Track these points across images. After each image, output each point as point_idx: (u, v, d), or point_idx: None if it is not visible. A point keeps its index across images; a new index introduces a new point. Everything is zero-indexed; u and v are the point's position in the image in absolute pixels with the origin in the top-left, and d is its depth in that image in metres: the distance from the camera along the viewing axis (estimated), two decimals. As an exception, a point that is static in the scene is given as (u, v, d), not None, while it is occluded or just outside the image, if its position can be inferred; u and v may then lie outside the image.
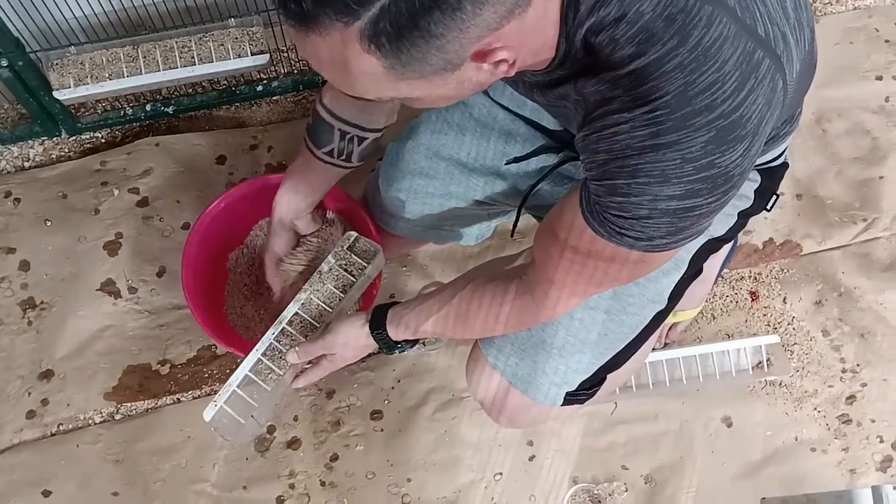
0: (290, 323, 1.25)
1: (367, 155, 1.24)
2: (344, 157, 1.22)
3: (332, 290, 1.27)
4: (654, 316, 1.18)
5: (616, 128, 0.77)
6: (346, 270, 1.28)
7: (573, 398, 1.18)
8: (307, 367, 1.25)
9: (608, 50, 0.76)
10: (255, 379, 1.23)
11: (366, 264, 1.29)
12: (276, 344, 1.25)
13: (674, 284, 1.17)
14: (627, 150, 0.77)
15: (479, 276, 1.10)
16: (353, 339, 1.18)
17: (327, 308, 1.26)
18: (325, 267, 1.28)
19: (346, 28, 0.66)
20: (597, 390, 1.20)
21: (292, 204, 1.28)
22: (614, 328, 1.15)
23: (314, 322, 1.26)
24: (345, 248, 1.29)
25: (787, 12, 0.81)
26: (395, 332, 1.15)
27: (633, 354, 1.19)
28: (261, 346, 1.24)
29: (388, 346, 1.17)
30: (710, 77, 0.73)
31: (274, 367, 1.24)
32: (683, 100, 0.74)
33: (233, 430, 1.23)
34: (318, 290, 1.27)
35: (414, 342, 1.19)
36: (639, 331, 1.18)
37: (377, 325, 1.16)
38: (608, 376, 1.20)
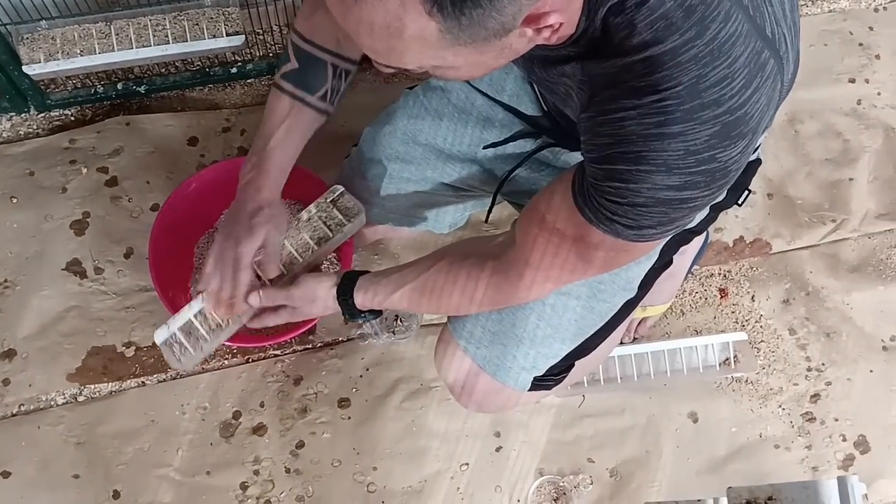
0: (258, 263, 1.22)
1: (343, 96, 1.19)
2: (334, 96, 1.17)
3: (307, 241, 1.25)
4: (624, 304, 1.18)
5: (624, 113, 0.77)
6: (324, 223, 1.26)
7: (541, 383, 1.19)
8: (265, 310, 1.21)
9: (625, 33, 0.76)
10: (212, 313, 1.21)
11: (346, 221, 1.26)
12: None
13: (644, 273, 1.17)
14: (633, 137, 0.77)
15: (456, 251, 1.10)
16: (317, 297, 1.16)
17: (298, 257, 1.24)
18: (304, 215, 1.26)
19: None
20: (565, 376, 1.21)
21: (281, 178, 1.20)
22: (584, 314, 1.16)
23: (283, 268, 1.23)
24: (328, 200, 1.27)
25: (786, 13, 0.82)
26: (361, 300, 1.14)
27: (602, 341, 1.20)
28: None
29: (350, 313, 1.16)
30: (721, 72, 0.74)
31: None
32: (694, 92, 0.74)
33: (178, 357, 1.21)
34: (292, 237, 1.25)
35: (377, 314, 1.18)
36: (608, 318, 1.18)
37: (345, 290, 1.14)
38: (576, 363, 1.20)
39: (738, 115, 0.76)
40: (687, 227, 1.17)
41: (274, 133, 1.16)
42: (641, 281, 1.18)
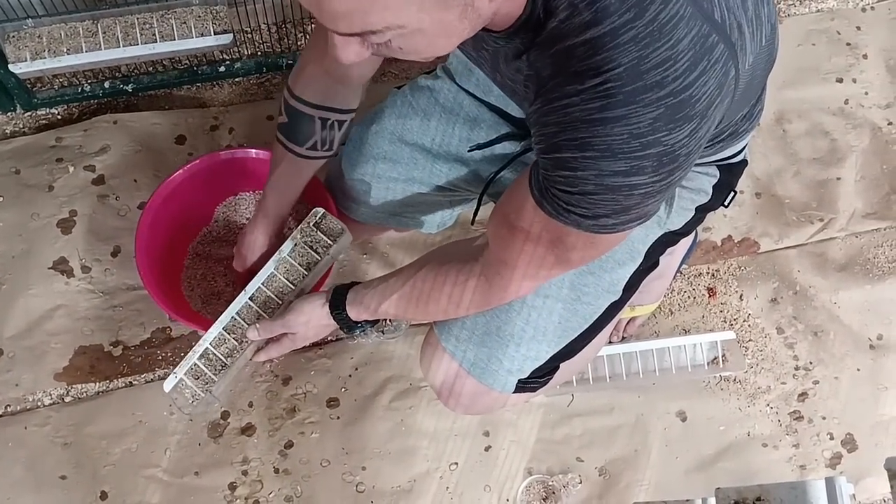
0: (252, 298, 1.25)
1: (345, 139, 1.23)
2: (327, 146, 1.21)
3: (297, 267, 1.26)
4: (609, 306, 1.18)
5: (568, 100, 0.77)
6: (311, 248, 1.27)
7: (525, 386, 1.19)
8: (268, 343, 1.25)
9: (565, 15, 0.75)
10: (216, 353, 1.22)
11: (331, 242, 1.27)
12: (238, 319, 1.24)
13: (629, 276, 1.17)
14: (576, 123, 0.77)
15: (438, 257, 1.10)
16: (314, 318, 1.18)
17: (290, 285, 1.25)
18: (289, 243, 1.27)
19: None
20: (549, 378, 1.21)
21: (279, 209, 1.29)
22: (569, 317, 1.16)
23: (276, 298, 1.25)
24: (311, 224, 1.28)
25: (746, 5, 0.81)
26: (354, 313, 1.15)
27: (586, 344, 1.20)
28: (223, 320, 1.23)
29: (347, 326, 1.17)
30: (663, 53, 0.73)
31: (234, 342, 1.23)
32: (635, 74, 0.74)
33: (190, 403, 1.22)
34: (281, 266, 1.26)
35: (374, 322, 1.19)
36: (593, 320, 1.18)
37: (337, 305, 1.16)
38: (561, 365, 1.20)
39: (683, 97, 0.75)
40: (672, 230, 1.17)
41: (271, 178, 1.26)
42: (626, 283, 1.18)
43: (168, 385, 1.21)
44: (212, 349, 1.22)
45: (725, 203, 1.20)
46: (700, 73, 0.75)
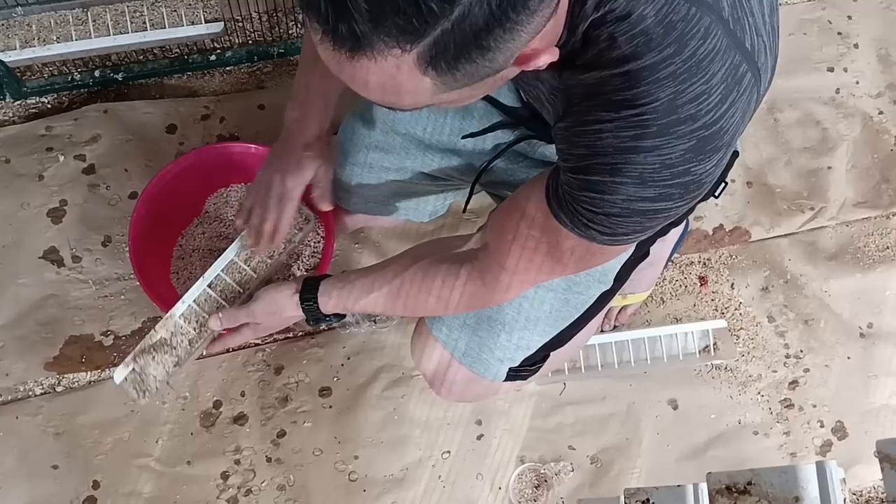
0: (211, 286, 1.23)
1: None
2: None
3: (259, 255, 1.25)
4: (600, 296, 1.19)
5: (600, 125, 0.77)
6: None
7: (515, 374, 1.19)
8: (227, 330, 1.22)
9: (604, 46, 0.75)
10: (171, 342, 1.21)
11: (296, 230, 1.26)
12: (196, 307, 1.22)
13: (620, 265, 1.18)
14: (609, 149, 0.77)
15: (426, 255, 1.09)
16: (280, 307, 1.16)
17: (252, 273, 1.24)
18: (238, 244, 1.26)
19: (404, 53, 0.63)
20: (539, 367, 1.21)
21: (327, 115, 1.20)
22: (560, 306, 1.16)
23: (238, 287, 1.23)
24: None
25: (766, 19, 0.82)
26: (325, 305, 1.14)
27: (577, 333, 1.20)
28: (179, 308, 1.21)
29: (315, 317, 1.16)
30: (698, 88, 0.74)
31: (191, 331, 1.21)
32: (671, 108, 0.74)
33: (141, 391, 1.20)
34: (242, 254, 1.24)
35: (341, 317, 1.18)
36: (584, 310, 1.18)
37: (308, 295, 1.14)
38: (551, 354, 1.21)
39: (714, 129, 0.76)
40: None
41: (314, 71, 1.16)
42: (617, 273, 1.18)
43: (118, 376, 1.19)
44: (167, 338, 1.20)
45: (716, 194, 1.20)
46: (730, 105, 0.76)
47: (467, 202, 1.31)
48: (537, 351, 1.18)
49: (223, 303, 1.23)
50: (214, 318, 1.18)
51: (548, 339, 1.18)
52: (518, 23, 0.64)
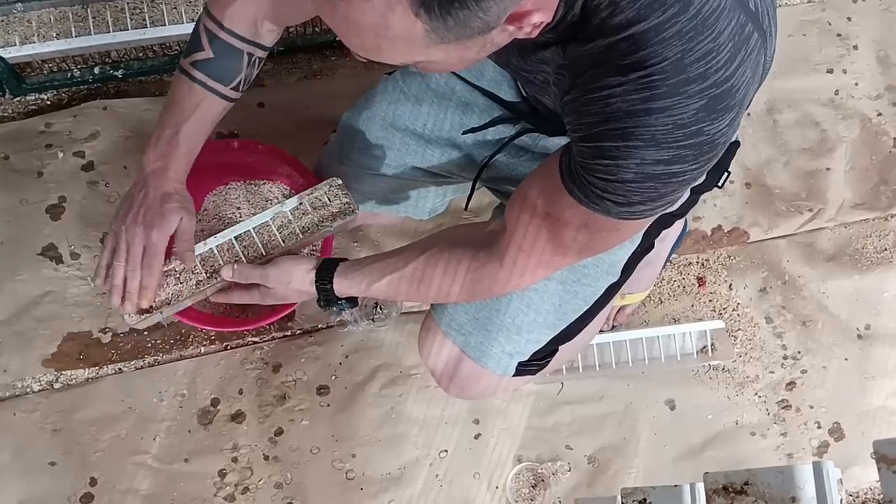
0: (237, 238, 1.21)
1: (250, 82, 1.17)
2: (245, 86, 1.16)
3: (293, 226, 1.24)
4: (608, 288, 1.19)
5: (609, 90, 0.77)
6: (315, 211, 1.24)
7: (525, 368, 1.19)
8: (235, 286, 1.21)
9: (606, 13, 0.76)
10: (180, 276, 1.18)
11: (337, 218, 1.25)
12: (216, 252, 1.21)
13: (627, 257, 1.18)
14: (619, 113, 0.77)
15: (445, 240, 1.09)
16: (296, 280, 1.14)
17: (280, 241, 1.23)
18: (294, 200, 1.24)
19: None
20: (549, 361, 1.21)
21: (188, 166, 1.17)
22: (569, 299, 1.16)
23: (262, 248, 1.22)
24: (324, 190, 1.25)
25: None
26: (340, 286, 1.13)
27: (585, 326, 1.20)
28: (199, 248, 1.19)
29: (327, 299, 1.15)
30: (706, 46, 0.74)
31: (203, 274, 1.19)
32: (679, 67, 0.74)
33: (139, 318, 1.16)
34: (278, 219, 1.23)
35: (353, 303, 1.17)
36: (592, 302, 1.19)
37: (324, 275, 1.13)
38: (560, 348, 1.20)
39: (725, 87, 0.76)
40: (669, 211, 1.18)
41: (183, 122, 1.13)
42: (624, 265, 1.18)
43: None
44: (178, 270, 1.18)
45: (719, 184, 1.20)
46: (739, 64, 0.76)
47: (469, 199, 1.31)
48: (547, 344, 1.18)
49: (242, 258, 1.21)
50: (228, 267, 1.16)
51: (557, 332, 1.18)
52: None
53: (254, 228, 1.22)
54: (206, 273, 1.20)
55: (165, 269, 1.17)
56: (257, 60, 1.15)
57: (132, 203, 1.13)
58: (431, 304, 1.23)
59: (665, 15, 0.74)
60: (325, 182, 1.26)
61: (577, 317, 1.18)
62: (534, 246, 0.95)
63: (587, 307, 1.18)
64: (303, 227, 1.24)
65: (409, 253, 1.10)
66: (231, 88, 1.15)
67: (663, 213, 1.17)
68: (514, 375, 1.19)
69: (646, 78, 0.75)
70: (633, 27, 0.74)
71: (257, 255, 1.22)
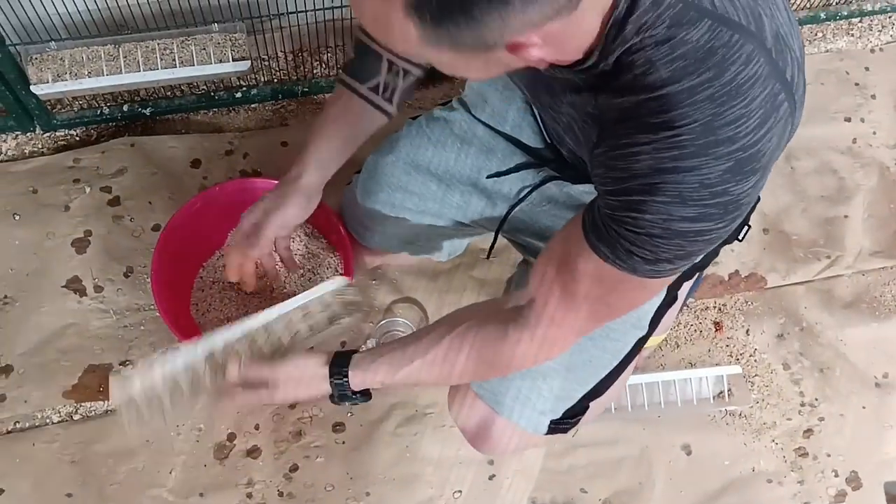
0: (242, 337, 1.13)
1: (405, 99, 1.19)
2: (388, 94, 1.17)
3: (302, 326, 1.19)
4: (636, 342, 1.18)
5: (638, 147, 0.78)
6: (324, 311, 1.22)
7: (556, 426, 1.17)
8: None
9: (641, 70, 0.76)
10: (180, 382, 1.08)
11: (344, 316, 1.23)
12: (217, 353, 1.11)
13: (654, 310, 1.18)
14: (647, 170, 0.78)
15: (464, 321, 1.05)
16: (306, 376, 1.08)
17: (285, 340, 1.17)
18: (301, 300, 1.19)
19: None
20: (580, 419, 1.19)
21: (322, 166, 1.19)
22: (598, 355, 1.16)
23: (267, 349, 1.15)
24: (332, 292, 1.22)
25: (802, 53, 0.83)
26: (357, 379, 1.07)
27: (615, 380, 1.19)
28: (202, 349, 1.10)
29: (342, 394, 1.09)
30: (737, 112, 0.75)
31: (207, 375, 1.10)
32: (709, 129, 0.75)
33: (135, 420, 1.06)
34: (284, 318, 1.18)
35: (368, 396, 1.11)
36: (622, 357, 1.18)
37: (340, 369, 1.07)
38: (591, 404, 1.19)
39: (752, 152, 0.77)
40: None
41: (323, 122, 1.19)
42: (652, 318, 1.18)
43: (118, 394, 1.05)
44: (176, 376, 1.07)
45: (739, 237, 1.21)
46: (767, 130, 0.77)
47: (491, 248, 1.31)
48: (578, 401, 1.17)
49: (247, 353, 1.13)
50: (234, 365, 1.08)
51: (588, 389, 1.17)
52: (508, 4, 0.65)
53: (261, 326, 1.15)
54: (209, 374, 1.10)
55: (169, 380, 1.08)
56: (401, 71, 1.16)
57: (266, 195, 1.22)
58: None
59: (700, 79, 0.74)
60: (332, 281, 1.23)
61: (607, 372, 1.17)
62: (565, 316, 0.94)
63: (617, 362, 1.17)
64: (310, 326, 1.20)
65: (428, 338, 1.05)
66: (369, 89, 1.16)
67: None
68: (546, 433, 1.17)
69: (675, 138, 0.75)
70: (666, 87, 0.75)
71: (261, 354, 1.14)
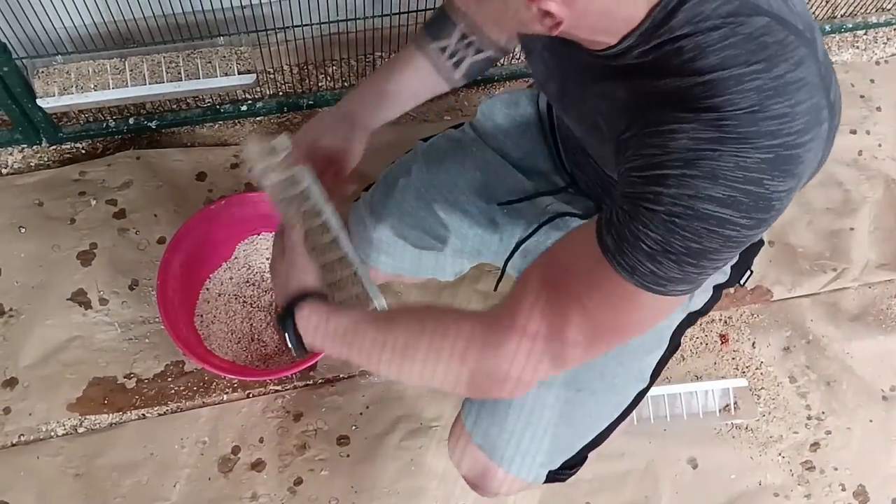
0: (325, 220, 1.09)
1: (473, 75, 1.16)
2: (454, 61, 1.14)
3: (344, 273, 1.08)
4: (637, 394, 1.18)
5: (676, 125, 0.76)
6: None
7: (555, 476, 1.17)
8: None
9: (689, 56, 0.75)
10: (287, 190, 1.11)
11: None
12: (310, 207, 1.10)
13: (656, 362, 1.17)
14: (683, 149, 0.75)
15: (442, 311, 0.97)
16: (291, 288, 1.01)
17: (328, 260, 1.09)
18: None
19: None
20: (577, 469, 1.19)
21: (372, 108, 1.14)
22: (600, 408, 1.15)
23: (327, 238, 1.09)
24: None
25: (839, 86, 0.83)
26: (303, 322, 0.97)
27: (613, 431, 1.18)
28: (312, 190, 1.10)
29: (283, 317, 0.99)
30: (781, 108, 0.74)
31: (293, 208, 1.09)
32: (752, 119, 0.74)
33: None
34: (348, 248, 1.09)
35: (304, 349, 0.99)
36: (622, 410, 1.17)
37: (304, 300, 0.99)
38: (589, 455, 1.19)
39: (793, 153, 0.75)
40: (693, 310, 1.17)
41: (384, 66, 1.16)
42: (653, 370, 1.18)
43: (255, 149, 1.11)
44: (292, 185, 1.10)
45: (741, 282, 1.20)
46: (810, 139, 0.76)
47: (499, 281, 1.31)
48: (577, 453, 1.17)
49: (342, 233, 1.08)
50: (295, 229, 1.06)
51: (587, 441, 1.17)
52: None
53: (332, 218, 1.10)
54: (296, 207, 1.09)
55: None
56: (472, 46, 1.13)
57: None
58: (461, 411, 1.20)
59: (749, 69, 0.74)
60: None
61: (607, 425, 1.16)
62: (551, 323, 0.85)
63: (618, 414, 1.17)
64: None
65: (403, 324, 0.93)
66: (437, 48, 1.13)
67: (689, 313, 1.16)
68: (545, 482, 1.17)
69: (718, 120, 0.74)
70: (714, 73, 0.74)
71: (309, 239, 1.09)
